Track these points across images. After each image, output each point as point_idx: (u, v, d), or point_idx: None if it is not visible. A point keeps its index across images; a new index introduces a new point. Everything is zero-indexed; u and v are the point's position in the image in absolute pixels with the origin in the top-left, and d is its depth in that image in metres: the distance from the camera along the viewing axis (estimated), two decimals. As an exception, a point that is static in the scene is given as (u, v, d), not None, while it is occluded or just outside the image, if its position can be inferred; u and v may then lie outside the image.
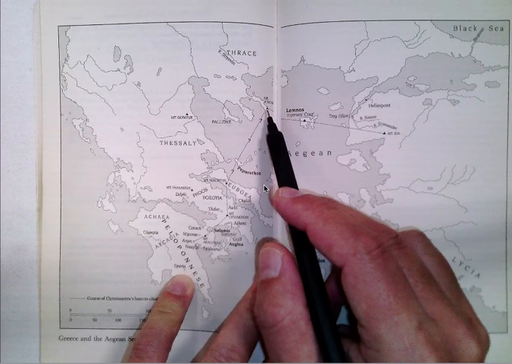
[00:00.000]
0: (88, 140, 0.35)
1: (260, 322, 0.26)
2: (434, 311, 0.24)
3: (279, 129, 0.34)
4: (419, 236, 0.29)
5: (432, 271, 0.27)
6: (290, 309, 0.25)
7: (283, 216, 0.29)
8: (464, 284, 0.34)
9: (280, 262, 0.27)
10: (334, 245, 0.25)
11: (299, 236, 0.28)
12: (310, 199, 0.28)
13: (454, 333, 0.23)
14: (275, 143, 0.33)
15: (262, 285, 0.27)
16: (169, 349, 0.31)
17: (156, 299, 0.34)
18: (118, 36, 0.34)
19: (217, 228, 0.34)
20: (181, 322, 0.33)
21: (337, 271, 0.25)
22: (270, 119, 0.33)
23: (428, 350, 0.22)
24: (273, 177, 0.34)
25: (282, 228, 0.34)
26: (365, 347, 0.23)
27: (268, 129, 0.33)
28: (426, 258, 0.28)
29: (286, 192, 0.29)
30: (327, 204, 0.27)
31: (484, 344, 0.25)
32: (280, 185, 0.31)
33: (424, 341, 0.22)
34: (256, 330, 0.30)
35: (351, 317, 0.29)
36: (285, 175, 0.31)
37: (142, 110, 0.34)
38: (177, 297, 0.33)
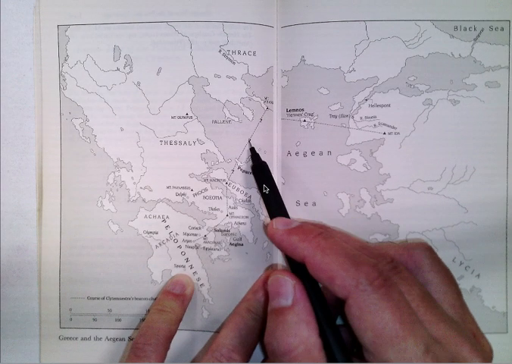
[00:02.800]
0: (88, 140, 0.35)
1: (271, 350, 0.26)
2: (438, 332, 0.24)
3: (280, 129, 0.34)
4: (428, 250, 0.29)
5: (438, 288, 0.27)
6: (305, 339, 0.25)
7: (280, 248, 0.29)
8: (464, 284, 0.34)
9: (292, 291, 0.27)
10: (335, 277, 0.24)
11: (298, 267, 0.28)
12: (305, 230, 0.28)
13: (459, 352, 0.24)
14: (260, 174, 0.33)
15: (274, 314, 0.26)
16: (167, 348, 0.31)
17: (156, 299, 0.34)
18: (118, 35, 0.34)
19: (217, 228, 0.34)
20: (180, 321, 0.33)
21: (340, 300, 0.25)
22: (252, 149, 0.33)
23: None
24: (274, 176, 0.34)
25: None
26: None
27: (252, 159, 0.33)
28: (433, 275, 0.28)
29: (280, 223, 0.29)
30: (323, 234, 0.27)
31: (488, 358, 0.25)
32: (271, 216, 0.31)
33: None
34: (256, 330, 0.31)
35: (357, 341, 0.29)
36: (276, 206, 0.31)
37: (141, 110, 0.34)
38: (177, 296, 0.33)
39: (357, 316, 0.23)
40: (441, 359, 0.23)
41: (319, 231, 0.27)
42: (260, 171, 0.33)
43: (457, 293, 0.28)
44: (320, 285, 0.28)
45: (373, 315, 0.23)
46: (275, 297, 0.27)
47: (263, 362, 0.33)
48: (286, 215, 0.31)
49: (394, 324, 0.23)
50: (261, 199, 0.33)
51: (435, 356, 0.22)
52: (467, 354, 0.24)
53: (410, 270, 0.28)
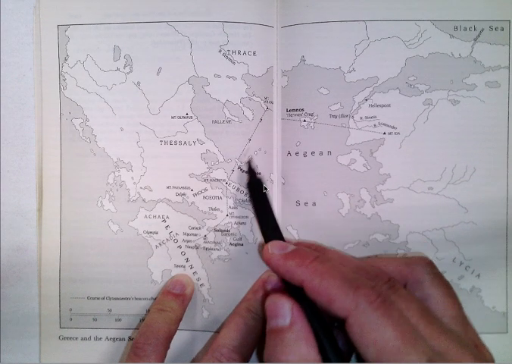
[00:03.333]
0: (88, 140, 0.35)
1: None
2: (440, 345, 0.24)
3: (280, 129, 0.34)
4: (429, 266, 0.29)
5: (439, 302, 0.27)
6: (304, 356, 0.25)
7: (276, 273, 0.29)
8: (464, 284, 0.34)
9: (290, 312, 0.27)
10: (334, 301, 0.25)
11: (295, 290, 0.28)
12: (302, 255, 0.28)
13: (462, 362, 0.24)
14: (255, 192, 0.32)
15: (272, 334, 0.26)
16: (167, 347, 0.31)
17: (156, 299, 0.34)
18: (118, 35, 0.34)
19: (217, 228, 0.34)
20: (180, 321, 0.33)
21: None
22: (249, 163, 0.33)
23: None
24: (274, 177, 0.34)
25: (281, 228, 0.34)
26: None
27: (248, 174, 0.33)
28: (433, 290, 0.28)
29: (276, 247, 0.29)
30: (319, 258, 0.27)
31: None
32: (266, 239, 0.31)
33: None
34: (257, 330, 0.31)
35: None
36: (271, 228, 0.31)
37: (141, 110, 0.34)
38: (176, 296, 0.33)
39: (359, 334, 0.24)
40: None
41: (315, 255, 0.27)
42: (255, 188, 0.33)
43: (458, 306, 0.28)
44: None
45: (374, 333, 0.23)
46: (273, 318, 0.27)
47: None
48: (281, 238, 0.31)
49: (396, 340, 0.23)
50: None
51: None
52: None
53: (410, 284, 0.28)
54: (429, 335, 0.24)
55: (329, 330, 0.27)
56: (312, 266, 0.27)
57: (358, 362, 0.29)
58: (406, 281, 0.28)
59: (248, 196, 0.34)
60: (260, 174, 0.34)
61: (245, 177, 0.34)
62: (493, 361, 0.26)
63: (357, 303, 0.24)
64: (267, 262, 0.29)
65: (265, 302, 0.28)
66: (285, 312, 0.27)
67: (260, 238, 0.34)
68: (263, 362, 0.27)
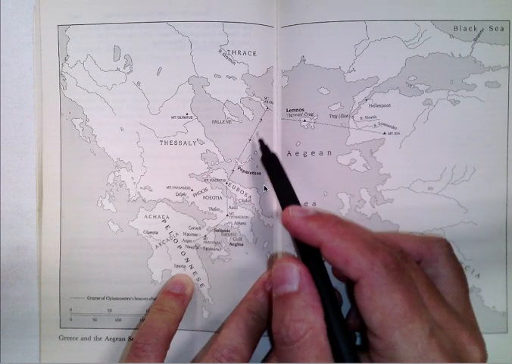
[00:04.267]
0: (88, 140, 0.35)
1: (280, 339, 0.26)
2: (440, 318, 0.25)
3: (280, 129, 0.34)
4: (447, 246, 0.30)
5: (448, 282, 0.28)
6: (312, 324, 0.25)
7: (296, 234, 0.28)
8: (464, 284, 0.34)
9: (298, 276, 0.27)
10: (351, 260, 0.25)
11: (308, 253, 0.28)
12: (324, 218, 0.28)
13: (459, 338, 0.25)
14: (272, 165, 0.32)
15: (280, 300, 0.27)
16: (167, 347, 0.31)
17: (155, 299, 0.34)
18: (118, 35, 0.34)
19: (217, 228, 0.34)
20: (179, 321, 0.33)
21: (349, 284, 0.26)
22: (261, 141, 0.33)
23: (440, 355, 0.23)
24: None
25: (282, 228, 0.34)
26: (377, 356, 0.24)
27: (261, 151, 0.33)
28: (447, 269, 0.29)
29: (297, 211, 0.28)
30: (341, 222, 0.27)
31: (484, 350, 0.26)
32: (283, 204, 0.30)
33: (436, 347, 0.23)
34: (257, 330, 0.31)
35: (360, 327, 0.29)
36: (289, 196, 0.31)
37: (141, 110, 0.34)
38: (176, 296, 0.33)
39: (368, 296, 0.24)
40: (444, 343, 0.23)
41: (337, 219, 0.27)
42: (271, 162, 0.32)
43: (465, 289, 0.28)
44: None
45: (383, 296, 0.24)
46: (280, 283, 0.27)
47: (263, 361, 0.33)
48: (298, 204, 0.31)
49: (403, 305, 0.23)
50: (266, 199, 0.33)
51: (438, 339, 0.23)
52: (466, 341, 0.25)
53: (425, 261, 0.29)
54: (432, 306, 0.25)
55: (335, 297, 0.27)
56: (334, 228, 0.26)
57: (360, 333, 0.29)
58: (421, 257, 0.29)
59: (244, 209, 0.34)
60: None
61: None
62: (483, 342, 0.26)
63: (373, 264, 0.24)
64: (287, 224, 0.28)
65: (272, 268, 0.28)
66: (293, 276, 0.27)
67: (260, 238, 0.34)
68: (271, 332, 0.27)
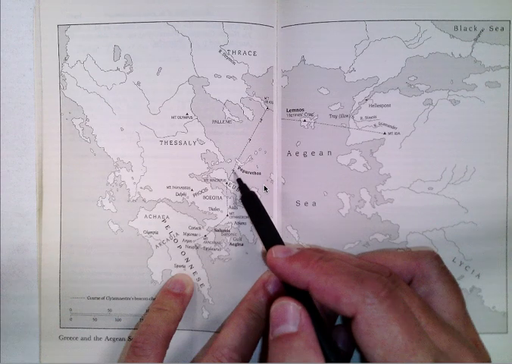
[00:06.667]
0: (88, 140, 0.35)
1: None
2: (441, 343, 0.24)
3: (280, 129, 0.34)
4: (436, 260, 0.29)
5: (443, 298, 0.27)
6: None
7: (282, 277, 0.28)
8: (464, 284, 0.34)
9: (298, 317, 0.26)
10: (342, 296, 0.24)
11: (300, 296, 0.27)
12: (306, 256, 0.27)
13: (464, 362, 0.24)
14: (251, 204, 0.33)
15: (279, 341, 0.26)
16: (166, 347, 0.31)
17: (155, 298, 0.34)
18: (118, 35, 0.34)
19: (217, 228, 0.34)
20: (179, 320, 0.33)
21: (346, 321, 0.25)
22: (239, 180, 0.33)
23: None
24: (274, 176, 0.34)
25: (281, 228, 0.34)
26: None
27: (240, 190, 0.33)
28: (439, 285, 0.28)
29: (280, 251, 0.29)
30: (324, 258, 0.27)
31: None
32: (267, 245, 0.31)
33: None
34: (257, 330, 0.31)
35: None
36: (270, 234, 0.31)
37: (141, 110, 0.34)
38: (176, 295, 0.33)
39: (366, 332, 0.23)
40: None
41: (319, 256, 0.27)
42: (249, 201, 0.33)
43: (462, 302, 0.28)
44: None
45: (381, 329, 0.23)
46: (279, 324, 0.26)
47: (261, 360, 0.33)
48: (281, 243, 0.31)
49: (403, 337, 0.23)
50: (266, 199, 0.34)
51: None
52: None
53: (416, 278, 0.28)
54: (431, 332, 0.24)
55: (331, 337, 0.26)
56: (317, 265, 0.26)
57: (361, 362, 0.29)
58: (413, 275, 0.29)
59: (244, 209, 0.34)
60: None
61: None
62: (490, 360, 0.26)
63: (365, 296, 0.24)
64: (272, 267, 0.28)
65: (271, 306, 0.27)
66: (294, 316, 0.26)
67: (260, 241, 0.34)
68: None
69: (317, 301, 0.26)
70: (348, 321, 0.25)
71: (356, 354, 0.30)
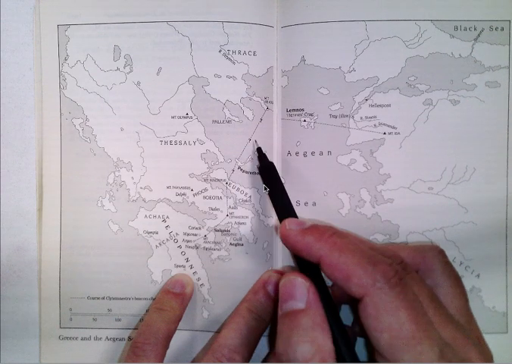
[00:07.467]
0: (88, 140, 0.35)
1: (286, 359, 0.25)
2: (447, 335, 0.24)
3: (280, 129, 0.34)
4: (440, 254, 0.29)
5: (447, 292, 0.27)
6: (320, 347, 0.24)
7: (293, 249, 0.28)
8: (464, 284, 0.33)
9: (306, 293, 0.26)
10: (352, 276, 0.24)
11: (308, 270, 0.27)
12: (320, 230, 0.27)
13: (467, 356, 0.24)
14: (268, 175, 0.32)
15: (287, 318, 0.26)
16: (166, 347, 0.31)
17: (155, 298, 0.34)
18: (118, 35, 0.34)
19: (217, 228, 0.34)
20: (179, 320, 0.33)
21: (353, 302, 0.25)
22: (259, 149, 0.33)
23: None
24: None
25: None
26: None
27: (259, 160, 0.33)
28: (444, 278, 0.28)
29: (293, 223, 0.28)
30: (337, 233, 0.27)
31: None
32: (280, 217, 0.30)
33: None
34: (257, 331, 0.31)
35: (368, 347, 0.29)
36: (285, 207, 0.31)
37: (141, 110, 0.34)
38: (176, 295, 0.33)
39: (374, 316, 0.23)
40: (454, 363, 0.23)
41: (333, 231, 0.27)
42: (267, 171, 0.32)
43: (465, 298, 0.28)
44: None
45: (389, 315, 0.23)
46: (287, 300, 0.26)
47: (263, 361, 0.33)
48: (295, 216, 0.31)
49: (410, 324, 0.23)
50: (266, 199, 0.33)
51: (448, 361, 0.23)
52: (475, 359, 0.24)
53: (421, 272, 0.28)
54: (437, 322, 0.24)
55: (340, 317, 0.26)
56: (331, 240, 0.26)
57: (366, 349, 0.29)
58: (418, 268, 0.28)
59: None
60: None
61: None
62: (492, 358, 0.26)
63: (375, 279, 0.24)
64: (285, 238, 0.28)
65: (271, 306, 0.27)
66: (302, 292, 0.26)
67: (260, 238, 0.34)
68: (274, 349, 0.26)
69: (327, 276, 0.26)
70: (356, 302, 0.25)
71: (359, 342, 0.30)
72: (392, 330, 0.23)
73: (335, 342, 0.25)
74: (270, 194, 0.32)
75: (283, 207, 0.31)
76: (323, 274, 0.27)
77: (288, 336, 0.25)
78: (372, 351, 0.24)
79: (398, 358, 0.23)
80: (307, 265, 0.27)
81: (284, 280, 0.27)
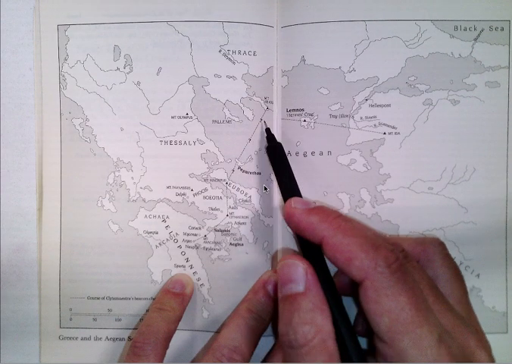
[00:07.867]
0: (88, 140, 0.35)
1: (287, 341, 0.25)
2: (446, 322, 0.24)
3: (280, 129, 0.34)
4: (440, 246, 0.29)
5: (447, 284, 0.27)
6: (320, 327, 0.24)
7: (297, 228, 0.28)
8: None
9: (304, 276, 0.26)
10: (354, 258, 0.24)
11: (310, 251, 0.27)
12: (325, 211, 0.27)
13: (467, 343, 0.24)
14: (276, 155, 0.32)
15: (287, 301, 0.26)
16: (166, 347, 0.31)
17: (155, 298, 0.34)
18: (118, 35, 0.34)
19: (217, 228, 0.34)
20: (179, 320, 0.33)
21: (354, 285, 0.25)
22: (267, 130, 0.33)
23: (450, 362, 0.22)
24: (274, 176, 0.34)
25: (282, 228, 0.34)
26: (385, 362, 0.23)
27: (267, 140, 0.33)
28: (443, 270, 0.28)
29: (299, 203, 0.28)
30: (342, 216, 0.27)
31: (491, 355, 0.25)
32: (285, 196, 0.30)
33: (446, 354, 0.22)
34: (258, 330, 0.31)
35: (367, 332, 0.29)
36: (291, 187, 0.31)
37: (141, 109, 0.34)
38: (176, 295, 0.33)
39: (374, 299, 0.23)
40: (453, 349, 0.23)
41: (338, 214, 0.27)
42: (275, 152, 0.32)
43: (464, 290, 0.28)
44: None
45: (389, 298, 0.23)
46: (286, 283, 0.26)
47: (264, 361, 0.33)
48: (300, 197, 0.30)
49: (410, 309, 0.23)
50: (266, 199, 0.33)
51: (447, 345, 0.23)
52: (474, 347, 0.24)
53: (421, 263, 0.28)
54: (437, 310, 0.24)
55: (340, 299, 0.26)
56: (335, 222, 0.26)
57: (367, 335, 0.29)
58: (418, 259, 0.29)
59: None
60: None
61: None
62: (490, 348, 0.26)
63: (376, 263, 0.24)
64: (289, 217, 0.28)
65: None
66: (299, 275, 0.26)
67: (260, 238, 0.34)
68: (277, 332, 0.26)
69: (328, 258, 0.26)
70: (356, 286, 0.25)
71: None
72: (392, 313, 0.23)
73: (335, 323, 0.25)
74: (276, 173, 0.32)
75: (289, 186, 0.31)
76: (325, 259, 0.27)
77: (288, 318, 0.25)
78: (371, 336, 0.25)
79: (397, 342, 0.23)
80: (309, 247, 0.27)
81: (281, 263, 0.27)
